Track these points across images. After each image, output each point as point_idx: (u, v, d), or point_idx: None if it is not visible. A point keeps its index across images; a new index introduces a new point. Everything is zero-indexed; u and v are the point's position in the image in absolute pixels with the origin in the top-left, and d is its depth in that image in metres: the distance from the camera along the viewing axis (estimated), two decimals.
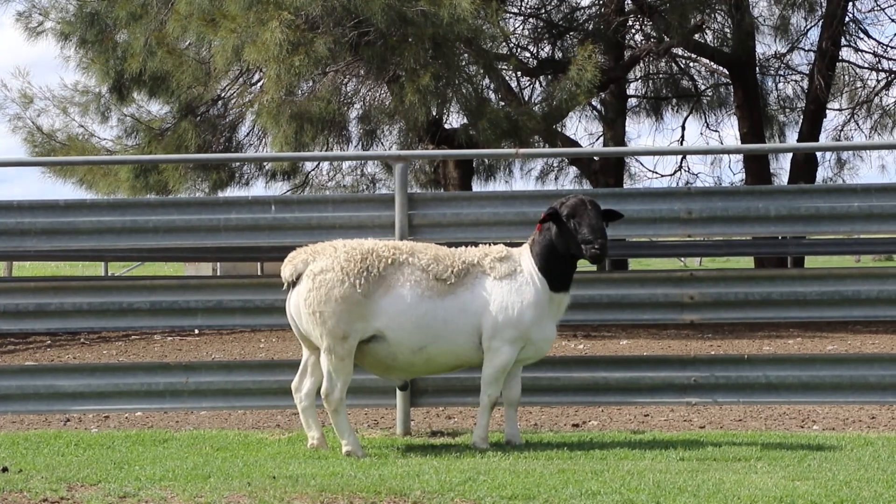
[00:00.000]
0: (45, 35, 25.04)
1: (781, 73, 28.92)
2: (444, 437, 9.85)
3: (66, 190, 24.89)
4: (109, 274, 29.08)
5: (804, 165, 26.41)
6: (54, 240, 10.24)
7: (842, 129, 28.87)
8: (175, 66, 22.11)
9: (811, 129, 26.58)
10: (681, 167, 29.42)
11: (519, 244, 9.13)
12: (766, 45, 29.21)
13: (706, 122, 29.52)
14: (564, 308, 9.11)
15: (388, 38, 19.61)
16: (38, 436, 9.82)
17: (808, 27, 27.54)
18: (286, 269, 8.93)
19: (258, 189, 26.37)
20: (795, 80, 29.03)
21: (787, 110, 29.25)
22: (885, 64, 28.00)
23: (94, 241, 10.25)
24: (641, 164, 29.91)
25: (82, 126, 25.08)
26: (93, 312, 10.16)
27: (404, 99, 19.55)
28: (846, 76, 28.72)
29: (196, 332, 21.11)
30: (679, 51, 27.47)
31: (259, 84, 23.55)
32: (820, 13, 26.56)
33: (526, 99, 24.93)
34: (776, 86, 29.32)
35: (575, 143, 25.93)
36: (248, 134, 25.12)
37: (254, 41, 19.13)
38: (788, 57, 28.34)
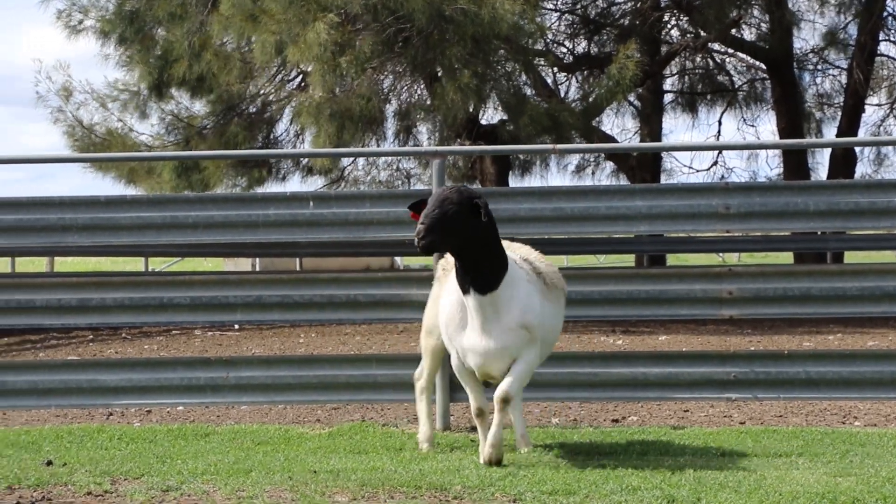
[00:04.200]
0: (85, 33, 25.18)
1: (819, 68, 28.76)
2: None
3: (105, 184, 24.95)
4: (149, 270, 29.17)
5: (842, 161, 26.30)
6: (95, 235, 10.27)
7: (881, 124, 28.68)
8: (220, 67, 22.21)
9: (850, 124, 26.46)
10: (717, 162, 29.30)
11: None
12: (803, 41, 29.09)
13: (743, 117, 29.39)
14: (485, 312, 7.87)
15: (428, 36, 19.62)
16: (82, 430, 9.86)
17: (846, 22, 27.40)
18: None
19: (295, 185, 26.44)
20: (833, 76, 28.86)
21: (826, 106, 29.08)
22: None
23: (134, 236, 10.28)
24: (677, 159, 29.78)
25: (121, 121, 25.20)
26: (133, 308, 10.19)
27: (444, 96, 19.56)
28: (885, 71, 28.55)
29: (236, 327, 21.18)
30: (715, 46, 27.35)
31: (296, 80, 23.62)
32: (857, 8, 26.42)
33: (563, 95, 24.90)
34: (814, 81, 29.20)
35: (611, 139, 25.85)
36: (285, 131, 25.20)
37: (295, 41, 19.17)
38: (826, 52, 28.17)
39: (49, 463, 8.24)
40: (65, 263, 33.78)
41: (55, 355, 17.20)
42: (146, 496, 7.13)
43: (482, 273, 7.78)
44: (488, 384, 8.27)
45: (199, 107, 25.23)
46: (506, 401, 7.96)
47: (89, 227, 10.21)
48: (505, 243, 8.31)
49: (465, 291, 7.85)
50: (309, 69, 20.44)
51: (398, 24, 19.68)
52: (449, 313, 8.09)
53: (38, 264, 32.68)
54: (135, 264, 31.90)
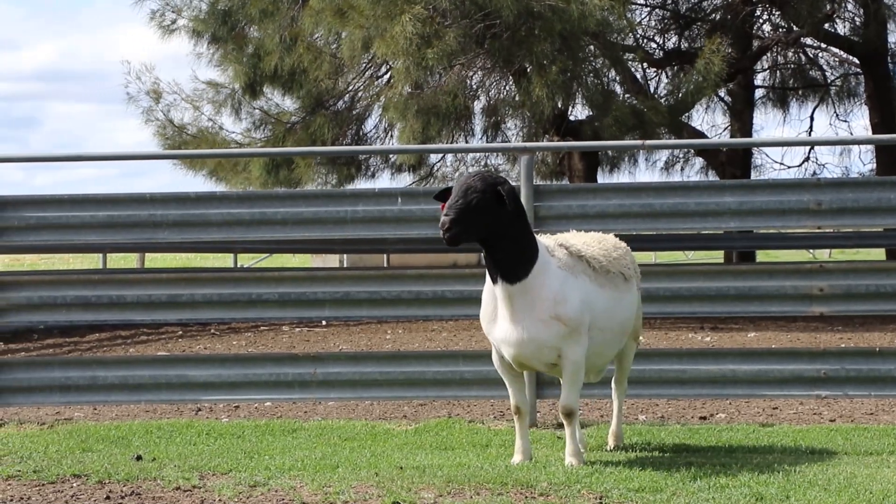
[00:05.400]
0: (178, 32, 25.45)
1: None
2: None
3: (196, 182, 25.21)
4: (238, 265, 29.40)
5: None
6: (185, 232, 10.36)
7: None
8: (311, 61, 22.36)
9: None
10: (808, 158, 29.02)
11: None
12: None
13: (835, 112, 29.04)
14: (513, 303, 7.70)
15: (516, 32, 19.62)
16: (171, 425, 9.95)
17: None
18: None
19: (384, 181, 26.55)
20: None
21: None
22: None
23: (223, 233, 10.36)
24: (768, 155, 29.53)
25: (211, 120, 25.44)
26: (223, 304, 10.27)
27: (531, 92, 19.54)
28: None
29: (324, 323, 21.31)
30: (808, 41, 27.10)
31: (385, 76, 23.70)
32: None
33: (652, 90, 24.78)
34: None
35: (701, 135, 25.68)
36: (374, 127, 25.29)
37: (382, 35, 19.25)
38: None
39: (139, 458, 8.33)
40: (155, 259, 34.11)
41: (145, 351, 17.38)
42: (234, 491, 7.18)
43: (511, 262, 7.59)
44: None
45: (290, 103, 25.41)
46: (569, 414, 7.87)
47: (179, 223, 10.30)
48: (574, 233, 8.31)
49: (494, 281, 7.67)
50: (396, 64, 20.50)
51: (486, 20, 19.69)
52: (483, 304, 7.95)
53: (128, 260, 33.06)
54: (224, 260, 32.19)
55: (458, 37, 19.41)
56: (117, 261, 33.28)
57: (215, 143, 24.57)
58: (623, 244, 8.55)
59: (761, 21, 26.96)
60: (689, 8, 26.09)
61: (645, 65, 25.33)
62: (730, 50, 22.70)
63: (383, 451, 8.59)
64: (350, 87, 24.40)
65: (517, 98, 21.74)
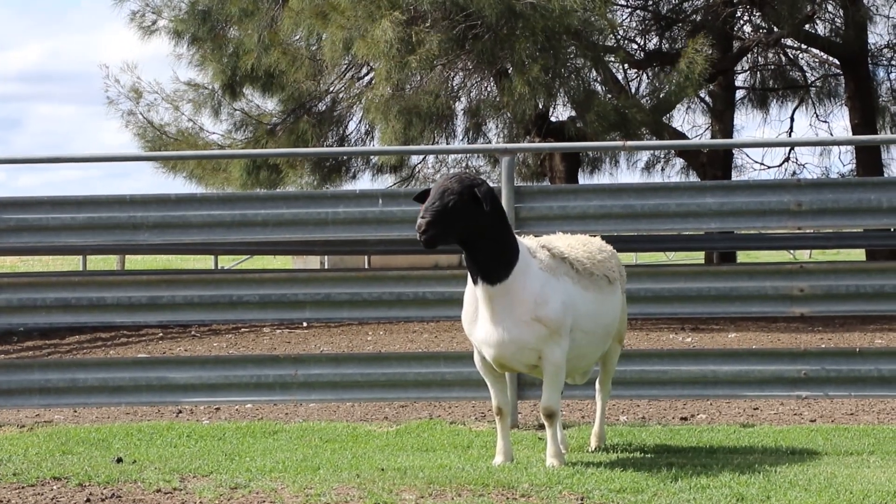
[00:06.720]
0: (158, 33, 25.42)
1: (894, 63, 28.47)
2: None
3: (177, 184, 25.19)
4: (219, 267, 29.37)
5: None
6: (166, 233, 10.35)
7: None
8: (288, 63, 22.35)
9: None
10: (788, 159, 29.09)
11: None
12: (878, 35, 28.82)
13: (815, 113, 29.13)
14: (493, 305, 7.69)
15: (498, 32, 19.64)
16: (151, 427, 9.94)
17: None
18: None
19: (365, 183, 26.57)
20: None
21: None
22: None
23: (204, 234, 10.35)
24: (748, 156, 29.59)
25: (192, 121, 25.42)
26: (203, 305, 10.27)
27: (513, 91, 19.57)
28: None
29: (304, 324, 21.29)
30: (788, 42, 27.18)
31: (367, 78, 23.71)
32: None
33: (633, 91, 24.83)
34: (888, 76, 28.89)
35: (682, 135, 25.73)
36: (355, 129, 25.29)
37: (363, 36, 19.26)
38: None
39: (119, 460, 8.31)
40: (135, 261, 34.05)
41: (125, 353, 17.35)
42: (215, 493, 7.18)
43: (491, 263, 7.56)
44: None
45: (271, 105, 25.41)
46: (550, 415, 7.87)
47: (160, 225, 10.29)
48: (559, 235, 8.33)
49: (475, 282, 7.65)
50: (377, 66, 20.52)
51: (467, 21, 19.70)
52: (465, 305, 7.93)
53: (109, 262, 32.97)
54: (204, 262, 32.14)
55: (439, 41, 19.42)
56: (97, 263, 33.18)
57: (196, 144, 24.56)
58: (609, 247, 8.55)
59: (742, 22, 27.07)
60: (669, 9, 26.13)
61: (626, 65, 25.37)
62: (711, 51, 22.75)
63: (365, 453, 8.59)
64: (331, 89, 24.39)
65: (498, 99, 21.77)
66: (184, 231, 10.33)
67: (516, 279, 7.63)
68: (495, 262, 7.59)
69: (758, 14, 26.18)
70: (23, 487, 7.51)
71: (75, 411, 11.32)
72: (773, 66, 29.15)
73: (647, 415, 10.78)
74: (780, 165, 29.01)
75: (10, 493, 7.37)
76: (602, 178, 28.06)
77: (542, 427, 9.38)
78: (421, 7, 19.52)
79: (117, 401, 10.38)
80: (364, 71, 24.02)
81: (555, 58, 20.20)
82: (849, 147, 28.32)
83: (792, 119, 29.46)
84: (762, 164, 29.34)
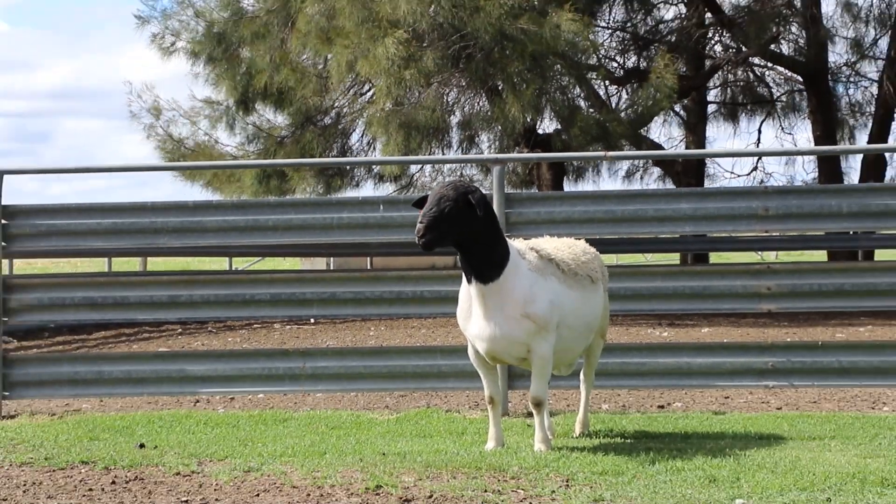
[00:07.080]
0: (177, 53, 25.38)
1: (852, 80, 28.58)
2: None
3: (194, 192, 25.21)
4: (233, 268, 29.32)
5: (873, 165, 26.16)
6: (184, 237, 10.34)
7: None
8: (297, 80, 22.36)
9: (881, 131, 26.39)
10: (756, 168, 29.12)
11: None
12: (837, 55, 28.90)
13: (781, 126, 29.22)
14: (487, 302, 7.69)
15: (490, 53, 19.65)
16: (171, 415, 9.92)
17: (878, 37, 27.25)
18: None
19: (368, 190, 26.54)
20: (865, 87, 28.68)
21: (858, 114, 28.87)
22: None
23: (219, 238, 10.34)
24: (720, 165, 29.64)
25: (208, 134, 25.41)
26: (219, 303, 10.26)
27: (504, 109, 19.58)
28: None
29: (312, 321, 21.28)
30: (756, 60, 27.24)
31: (369, 94, 23.71)
32: (889, 24, 26.27)
33: (613, 106, 24.85)
34: (847, 92, 29.00)
35: (659, 146, 25.78)
36: (358, 140, 25.28)
37: (366, 55, 19.28)
38: (859, 65, 28.00)
39: (142, 446, 8.31)
40: (156, 263, 33.96)
41: (147, 347, 17.33)
42: (230, 476, 7.17)
43: (483, 263, 7.60)
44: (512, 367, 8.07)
45: (281, 119, 25.39)
46: (538, 404, 7.87)
47: (179, 229, 10.29)
48: (547, 238, 8.37)
49: (468, 281, 7.69)
50: (378, 82, 20.52)
51: (462, 42, 19.71)
52: (460, 303, 7.95)
53: (132, 264, 32.89)
54: (220, 263, 32.07)
55: (435, 59, 19.43)
56: (121, 264, 33.06)
57: (211, 156, 24.54)
58: (592, 249, 8.56)
59: (713, 42, 27.15)
60: (646, 30, 26.18)
61: (607, 82, 25.39)
62: (684, 68, 22.75)
63: (367, 439, 8.59)
64: (336, 104, 24.39)
65: (490, 114, 21.77)
66: (201, 235, 10.33)
67: (507, 279, 7.64)
68: (488, 263, 7.61)
69: (727, 35, 26.30)
70: (53, 471, 7.51)
71: (101, 401, 11.31)
72: (742, 83, 29.19)
73: (627, 403, 10.78)
74: (749, 174, 29.06)
75: (41, 475, 7.36)
76: (586, 186, 28.09)
77: (530, 415, 9.38)
78: (420, 27, 19.53)
79: (140, 391, 10.37)
80: (366, 87, 24.02)
81: (542, 77, 20.21)
82: (812, 157, 28.47)
83: (759, 131, 29.53)
84: (732, 172, 29.45)
